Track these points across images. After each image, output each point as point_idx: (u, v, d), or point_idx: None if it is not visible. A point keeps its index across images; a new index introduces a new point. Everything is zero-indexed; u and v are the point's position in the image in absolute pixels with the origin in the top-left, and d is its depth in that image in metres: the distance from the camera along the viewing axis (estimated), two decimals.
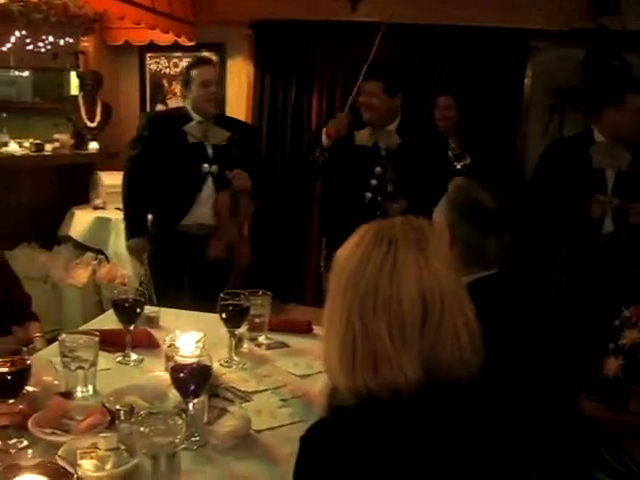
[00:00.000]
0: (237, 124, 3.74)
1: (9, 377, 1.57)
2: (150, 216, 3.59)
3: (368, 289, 1.14)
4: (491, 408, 1.24)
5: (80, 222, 4.78)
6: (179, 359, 1.62)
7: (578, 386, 3.22)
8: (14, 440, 1.56)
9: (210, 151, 3.44)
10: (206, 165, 3.41)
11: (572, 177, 3.41)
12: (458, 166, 3.95)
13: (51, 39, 4.54)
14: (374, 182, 3.38)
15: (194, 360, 1.61)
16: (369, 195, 3.38)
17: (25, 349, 1.70)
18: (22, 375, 1.60)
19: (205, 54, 5.48)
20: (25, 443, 1.56)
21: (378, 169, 3.38)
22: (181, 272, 3.51)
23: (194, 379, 1.58)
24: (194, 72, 3.41)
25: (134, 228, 3.48)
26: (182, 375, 1.58)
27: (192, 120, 3.44)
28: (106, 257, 4.62)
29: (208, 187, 3.44)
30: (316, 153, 3.39)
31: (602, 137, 3.42)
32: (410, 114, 3.56)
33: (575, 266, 3.45)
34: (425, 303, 1.12)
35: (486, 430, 1.19)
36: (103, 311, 3.39)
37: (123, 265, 4.51)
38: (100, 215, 4.75)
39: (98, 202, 4.92)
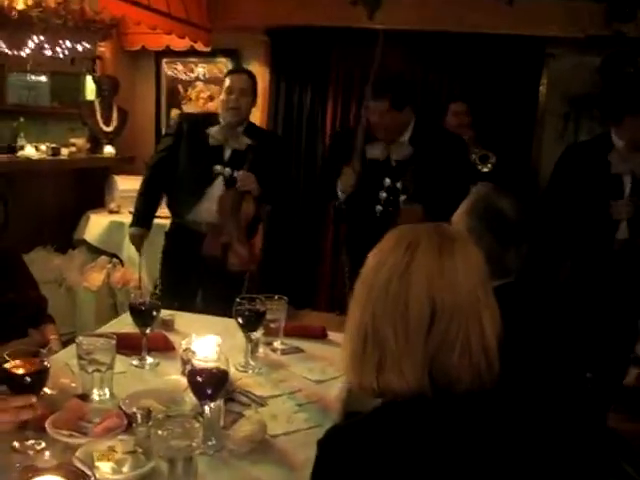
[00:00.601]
0: (262, 133, 3.84)
1: (28, 378, 1.58)
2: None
3: (380, 289, 1.15)
4: (504, 416, 1.23)
5: (95, 226, 4.81)
6: (197, 363, 1.62)
7: (605, 399, 3.18)
8: (32, 441, 1.56)
9: (227, 154, 3.49)
10: (219, 167, 3.46)
11: (589, 182, 3.40)
12: (485, 169, 3.91)
13: (69, 44, 4.56)
14: (384, 195, 3.39)
15: (212, 364, 1.61)
16: (380, 208, 3.39)
17: (43, 351, 1.71)
18: (40, 376, 1.61)
19: (221, 59, 5.53)
20: (43, 445, 1.56)
21: (387, 181, 3.37)
22: (193, 271, 3.55)
23: (212, 383, 1.58)
24: (226, 79, 3.55)
25: (139, 217, 3.63)
26: (200, 379, 1.59)
27: (218, 124, 3.52)
28: (120, 261, 4.64)
29: (218, 187, 3.48)
30: (336, 203, 3.46)
31: (621, 142, 3.41)
32: (424, 122, 3.55)
33: (586, 271, 3.45)
34: (434, 309, 1.12)
35: (497, 438, 1.18)
36: (117, 314, 3.41)
37: (137, 269, 4.52)
38: (115, 219, 4.77)
39: (113, 206, 4.95)
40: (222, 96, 3.52)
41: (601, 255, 3.37)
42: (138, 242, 3.64)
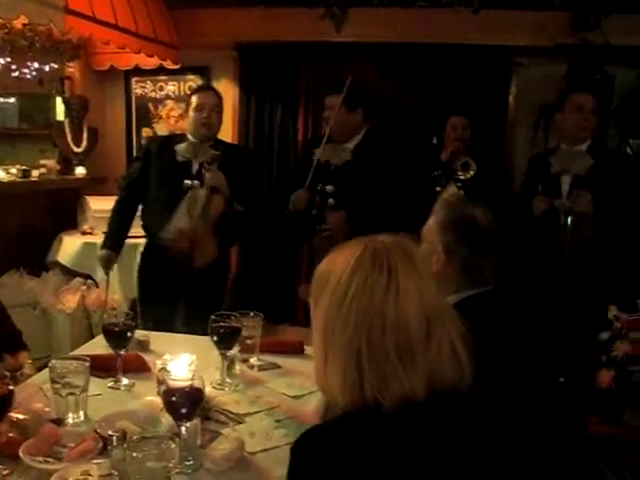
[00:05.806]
0: (231, 146, 3.92)
1: None
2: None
3: (375, 315, 1.16)
4: (487, 419, 1.25)
5: (68, 247, 4.74)
6: (171, 383, 1.60)
7: (582, 401, 3.20)
8: None
9: (195, 168, 3.48)
10: (188, 181, 3.45)
11: (534, 185, 3.53)
12: (463, 176, 3.89)
13: (36, 65, 4.53)
14: (317, 198, 3.48)
15: (186, 383, 1.60)
16: (314, 212, 3.49)
17: (12, 375, 1.68)
18: (4, 401, 1.58)
19: (190, 77, 5.53)
20: (8, 471, 1.53)
21: (320, 185, 3.48)
22: (171, 289, 3.53)
23: (186, 402, 1.57)
24: (193, 97, 3.57)
25: (109, 240, 3.63)
26: (174, 399, 1.57)
27: (185, 141, 3.55)
28: (95, 282, 4.59)
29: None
30: (286, 211, 3.59)
31: (563, 144, 3.59)
32: (376, 133, 3.65)
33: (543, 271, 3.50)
34: (429, 322, 1.16)
35: (477, 441, 1.19)
36: (93, 336, 3.37)
37: (112, 290, 4.47)
38: (88, 240, 4.70)
39: (86, 227, 4.89)
40: (191, 113, 3.54)
41: (553, 256, 3.42)
42: (106, 265, 3.65)
